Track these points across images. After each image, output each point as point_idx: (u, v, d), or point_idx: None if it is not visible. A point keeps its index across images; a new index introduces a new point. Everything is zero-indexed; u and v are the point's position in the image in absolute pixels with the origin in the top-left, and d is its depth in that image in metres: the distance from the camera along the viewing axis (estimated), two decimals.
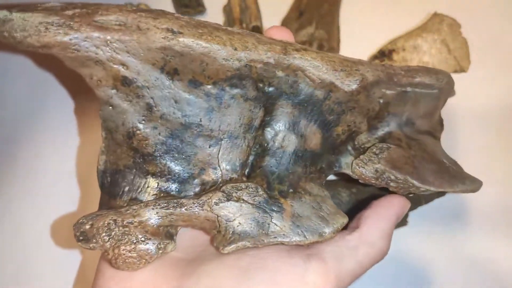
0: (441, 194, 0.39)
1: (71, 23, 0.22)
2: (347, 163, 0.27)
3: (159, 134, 0.25)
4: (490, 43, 0.45)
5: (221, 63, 0.23)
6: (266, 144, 0.26)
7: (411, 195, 0.27)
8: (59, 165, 0.40)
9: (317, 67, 0.25)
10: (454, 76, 0.41)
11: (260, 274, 0.23)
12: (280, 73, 0.25)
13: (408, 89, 0.27)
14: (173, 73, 0.24)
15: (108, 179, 0.25)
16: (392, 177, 0.26)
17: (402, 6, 0.48)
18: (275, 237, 0.24)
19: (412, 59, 0.41)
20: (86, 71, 0.23)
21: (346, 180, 0.39)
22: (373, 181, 0.26)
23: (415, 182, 0.26)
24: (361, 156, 0.27)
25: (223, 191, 0.24)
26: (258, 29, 0.46)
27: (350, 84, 0.25)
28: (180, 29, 0.23)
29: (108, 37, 0.22)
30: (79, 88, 0.42)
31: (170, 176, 0.25)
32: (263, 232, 0.24)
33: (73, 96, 0.42)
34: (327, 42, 0.44)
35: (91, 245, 0.23)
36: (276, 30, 0.27)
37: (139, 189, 0.25)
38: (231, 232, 0.24)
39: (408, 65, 0.30)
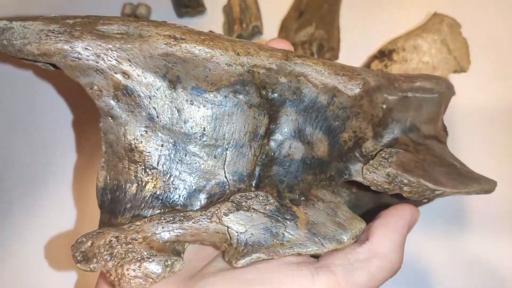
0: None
1: (72, 31, 0.21)
2: (357, 170, 0.26)
3: (162, 145, 0.24)
4: (490, 43, 0.45)
5: (224, 68, 0.23)
6: (272, 153, 0.25)
7: (425, 201, 0.27)
8: (55, 182, 0.39)
9: (319, 72, 0.24)
10: (454, 76, 0.41)
11: (266, 287, 0.22)
12: (282, 79, 0.24)
13: (409, 94, 0.27)
14: (175, 81, 0.23)
15: (109, 197, 0.24)
16: (405, 181, 0.25)
17: (402, 6, 0.48)
18: (291, 247, 0.23)
19: (412, 59, 0.41)
20: (87, 80, 0.23)
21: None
22: (386, 186, 0.25)
23: (429, 185, 0.25)
24: (371, 162, 0.26)
25: (232, 201, 0.23)
26: (258, 29, 0.46)
27: (353, 88, 0.25)
28: (182, 35, 0.22)
29: (110, 46, 0.22)
30: (78, 100, 0.41)
31: (175, 190, 0.24)
32: (277, 242, 0.23)
33: (72, 108, 0.41)
34: (327, 42, 0.44)
35: (91, 266, 0.21)
36: (276, 42, 0.27)
37: (142, 205, 0.23)
38: (243, 244, 0.23)
39: (406, 73, 0.30)
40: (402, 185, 0.25)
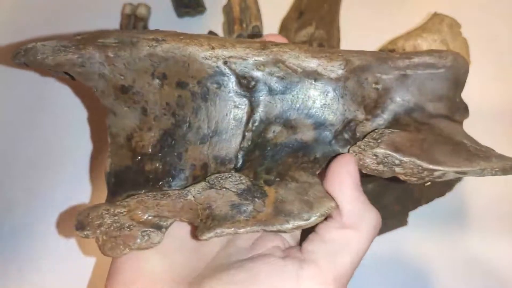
0: (442, 193, 0.39)
1: (79, 44, 0.26)
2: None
3: (153, 135, 0.27)
4: (490, 43, 0.45)
5: (201, 62, 0.25)
6: (256, 139, 0.26)
7: (428, 183, 0.25)
8: (74, 167, 0.42)
9: (297, 57, 0.25)
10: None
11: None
12: (261, 68, 0.25)
13: (409, 72, 0.25)
14: (162, 78, 0.26)
15: (113, 180, 0.27)
16: (396, 161, 0.24)
17: (402, 6, 0.48)
18: (255, 223, 0.23)
19: None
20: (92, 83, 0.27)
21: None
22: (374, 168, 0.24)
23: (424, 163, 0.23)
24: (358, 142, 0.25)
25: (207, 181, 0.25)
26: (258, 29, 0.46)
27: (334, 70, 0.25)
28: (164, 37, 0.26)
29: (108, 53, 0.26)
30: (91, 99, 0.45)
31: (164, 173, 0.26)
32: (243, 218, 0.24)
33: (87, 107, 0.45)
34: (327, 42, 0.44)
35: (85, 233, 0.25)
36: (273, 37, 0.28)
37: (136, 186, 0.27)
38: (211, 219, 0.24)
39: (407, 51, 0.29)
40: (393, 166, 0.24)
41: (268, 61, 0.25)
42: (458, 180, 0.39)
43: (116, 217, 0.25)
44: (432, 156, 0.24)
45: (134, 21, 0.47)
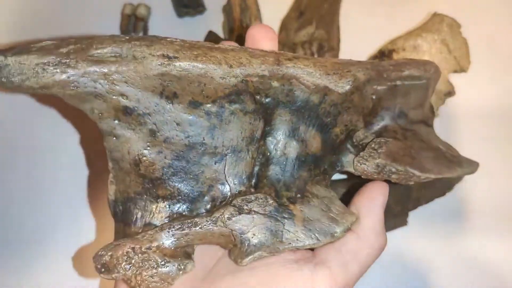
0: (442, 193, 0.39)
1: (67, 60, 0.22)
2: (349, 161, 0.27)
3: (165, 157, 0.25)
4: (490, 43, 0.45)
5: (218, 81, 0.24)
6: (269, 154, 0.26)
7: (411, 183, 0.27)
8: (72, 197, 0.41)
9: (311, 74, 0.25)
10: (454, 76, 0.41)
11: None
12: (275, 84, 0.25)
13: (398, 82, 0.28)
14: (172, 97, 0.24)
15: (120, 208, 0.25)
16: (393, 170, 0.26)
17: (402, 6, 0.48)
18: (290, 243, 0.25)
19: None
20: (87, 105, 0.24)
21: (347, 180, 0.39)
22: (375, 176, 0.27)
23: (416, 172, 0.26)
24: (361, 153, 0.27)
25: (234, 205, 0.25)
26: None
27: (343, 86, 0.26)
28: (175, 53, 0.23)
29: (105, 70, 0.22)
30: (82, 120, 0.42)
31: (180, 197, 0.25)
32: (277, 240, 0.25)
33: (78, 128, 0.43)
34: (327, 42, 0.44)
35: (113, 276, 0.23)
36: (257, 30, 0.27)
37: (152, 214, 0.25)
38: (246, 245, 0.24)
39: (396, 60, 0.30)
40: (390, 174, 0.26)
41: (282, 77, 0.25)
42: (458, 180, 0.39)
43: (145, 255, 0.24)
44: (421, 164, 0.27)
45: (134, 21, 0.47)
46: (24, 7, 0.50)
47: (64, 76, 0.22)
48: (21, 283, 0.39)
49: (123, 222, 0.25)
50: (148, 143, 0.25)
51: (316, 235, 0.25)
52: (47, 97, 0.43)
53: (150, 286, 0.24)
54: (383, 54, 0.42)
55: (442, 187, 0.39)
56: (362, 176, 0.27)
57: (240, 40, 0.46)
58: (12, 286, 0.39)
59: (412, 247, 0.38)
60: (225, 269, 0.25)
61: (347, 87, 0.26)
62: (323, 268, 0.24)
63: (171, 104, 0.24)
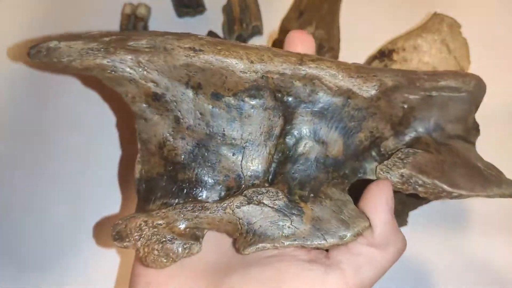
0: None
1: (108, 47, 0.25)
2: (372, 169, 0.27)
3: (187, 144, 0.27)
4: (490, 43, 0.45)
5: (239, 75, 0.25)
6: (287, 152, 0.27)
7: (441, 199, 0.26)
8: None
9: (333, 75, 0.25)
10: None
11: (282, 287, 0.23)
12: (297, 83, 0.26)
13: (434, 93, 0.27)
14: (197, 87, 0.26)
15: (143, 186, 0.27)
16: (420, 182, 0.25)
17: (402, 6, 0.48)
18: (295, 239, 0.25)
19: (412, 59, 0.41)
20: (122, 89, 0.26)
21: None
22: (399, 186, 0.26)
23: (444, 186, 0.25)
24: (386, 162, 0.26)
25: (244, 195, 0.25)
26: (258, 29, 0.46)
27: (368, 90, 0.26)
28: (201, 47, 0.25)
29: (140, 59, 0.25)
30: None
31: (197, 183, 0.26)
32: (282, 234, 0.25)
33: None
34: (327, 42, 0.44)
35: (124, 244, 0.25)
36: (297, 34, 0.28)
37: (170, 195, 0.26)
38: (252, 234, 0.25)
39: (434, 70, 0.29)
40: (416, 186, 0.25)
41: (304, 77, 0.25)
42: None
43: (155, 229, 0.25)
44: (451, 179, 0.25)
45: (134, 21, 0.47)
46: (24, 7, 0.50)
47: (104, 61, 0.25)
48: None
49: (144, 200, 0.27)
50: (172, 129, 0.27)
51: (324, 235, 0.25)
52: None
53: (154, 258, 0.25)
54: (383, 54, 0.42)
55: None
56: None
57: (240, 40, 0.46)
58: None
59: (412, 247, 0.38)
60: (238, 263, 0.25)
61: (373, 92, 0.26)
62: (335, 270, 0.24)
63: (195, 94, 0.26)
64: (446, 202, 0.39)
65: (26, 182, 0.42)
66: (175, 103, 0.26)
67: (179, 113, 0.26)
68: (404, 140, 0.27)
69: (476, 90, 0.28)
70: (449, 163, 0.26)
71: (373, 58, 0.43)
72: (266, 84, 0.26)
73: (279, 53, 0.26)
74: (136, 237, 0.25)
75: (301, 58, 0.25)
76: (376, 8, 0.48)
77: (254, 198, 0.25)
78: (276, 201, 0.25)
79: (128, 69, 0.25)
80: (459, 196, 0.26)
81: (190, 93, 0.26)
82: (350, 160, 0.27)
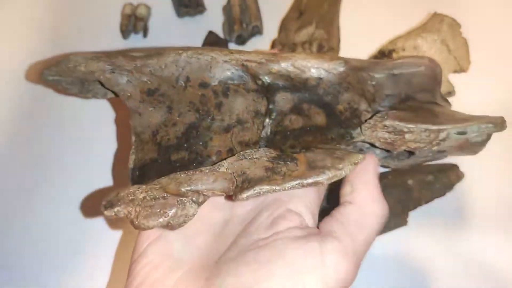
0: (442, 193, 0.39)
1: (110, 54, 0.29)
2: (358, 133, 0.28)
3: (178, 129, 0.29)
4: (490, 43, 0.45)
5: (222, 64, 0.29)
6: (275, 127, 0.29)
7: (432, 147, 0.27)
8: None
9: (304, 59, 0.29)
10: (454, 76, 0.41)
11: (280, 267, 0.23)
12: (273, 69, 0.29)
13: (395, 71, 0.29)
14: (186, 80, 0.30)
15: (137, 173, 0.29)
16: (405, 129, 0.26)
17: (402, 6, 0.48)
18: (292, 179, 0.24)
19: None
20: (120, 88, 0.30)
21: None
22: (387, 136, 0.26)
23: (430, 126, 0.26)
24: (368, 120, 0.27)
25: (238, 155, 0.26)
26: (258, 29, 0.46)
27: (336, 67, 0.28)
28: (187, 48, 0.29)
29: (136, 61, 0.29)
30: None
31: (190, 160, 0.28)
32: (279, 176, 0.25)
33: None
34: (327, 42, 0.44)
35: (115, 210, 0.24)
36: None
37: (164, 174, 0.26)
38: (248, 182, 0.25)
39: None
40: (403, 133, 0.26)
41: (279, 63, 0.28)
42: (458, 180, 0.39)
43: (149, 192, 0.24)
44: (433, 121, 0.26)
45: (134, 21, 0.47)
46: (24, 7, 0.50)
47: (106, 64, 0.29)
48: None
49: (139, 183, 0.27)
50: (165, 118, 0.29)
51: (321, 170, 0.25)
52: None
53: (147, 213, 0.24)
54: (383, 54, 0.42)
55: (442, 187, 0.39)
56: (376, 144, 0.27)
57: (240, 40, 0.46)
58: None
59: (412, 247, 0.38)
60: (235, 251, 0.25)
61: (341, 69, 0.28)
62: (330, 240, 0.24)
63: (185, 87, 0.30)
64: (446, 202, 0.39)
65: (21, 176, 0.42)
66: (167, 96, 0.30)
67: (171, 103, 0.30)
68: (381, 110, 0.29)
69: (431, 64, 0.30)
70: (427, 114, 0.27)
71: (373, 58, 0.43)
72: (246, 70, 0.29)
73: (258, 52, 0.29)
74: (128, 200, 0.24)
75: (276, 53, 0.29)
76: (376, 8, 0.48)
77: (247, 155, 0.26)
78: (269, 154, 0.26)
79: (125, 71, 0.29)
80: (447, 139, 0.26)
81: (180, 85, 0.29)
82: (335, 128, 0.28)
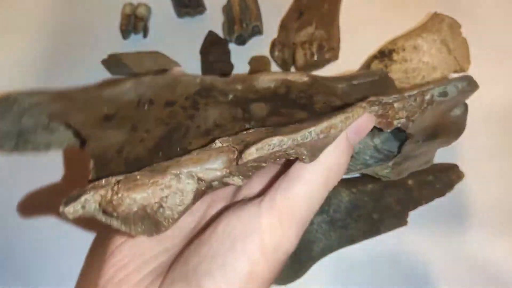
0: (442, 193, 0.39)
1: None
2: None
3: (148, 143, 0.26)
4: (490, 43, 0.45)
5: (186, 84, 0.29)
6: (258, 126, 0.27)
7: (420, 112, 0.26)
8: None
9: (269, 74, 0.30)
10: (454, 76, 0.41)
11: (221, 240, 0.22)
12: (239, 86, 0.29)
13: (354, 82, 0.31)
14: (149, 103, 0.28)
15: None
16: (390, 100, 0.25)
17: (402, 6, 0.48)
18: (298, 128, 0.22)
19: (412, 59, 0.41)
20: (70, 118, 0.27)
21: (346, 180, 0.39)
22: (376, 108, 0.25)
23: (411, 92, 0.25)
24: (356, 103, 0.25)
25: (229, 135, 0.24)
26: (258, 29, 0.46)
27: (301, 78, 0.30)
28: (145, 74, 0.29)
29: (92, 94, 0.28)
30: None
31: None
32: (277, 133, 0.23)
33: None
34: (327, 42, 0.44)
35: (82, 199, 0.20)
36: None
37: None
38: (251, 144, 0.22)
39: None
40: (392, 104, 0.25)
41: (244, 81, 0.29)
42: (458, 180, 0.39)
43: (127, 176, 0.21)
44: (409, 90, 0.26)
45: (134, 21, 0.47)
46: (24, 7, 0.50)
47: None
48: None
49: None
50: (130, 136, 0.27)
51: (326, 118, 0.23)
52: None
53: (132, 186, 0.20)
54: (383, 54, 0.42)
55: (442, 187, 0.39)
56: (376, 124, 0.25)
57: (240, 40, 0.46)
58: None
59: (412, 247, 0.38)
60: (194, 249, 0.23)
61: (305, 78, 0.30)
62: (267, 200, 0.23)
63: (148, 108, 0.28)
64: (446, 202, 0.39)
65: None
66: (128, 118, 0.27)
67: (135, 123, 0.27)
68: None
69: (382, 73, 0.33)
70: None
71: (373, 58, 0.43)
72: (212, 87, 0.29)
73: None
74: (100, 185, 0.20)
75: (239, 77, 0.30)
76: (376, 8, 0.48)
77: (239, 134, 0.24)
78: (263, 129, 0.24)
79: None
80: (432, 101, 0.26)
81: (142, 108, 0.28)
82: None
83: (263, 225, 0.22)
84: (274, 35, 0.47)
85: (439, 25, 0.42)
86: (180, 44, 0.47)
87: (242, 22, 0.46)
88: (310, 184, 0.23)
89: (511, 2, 0.48)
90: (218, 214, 0.26)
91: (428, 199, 0.38)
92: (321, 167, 0.23)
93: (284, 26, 0.47)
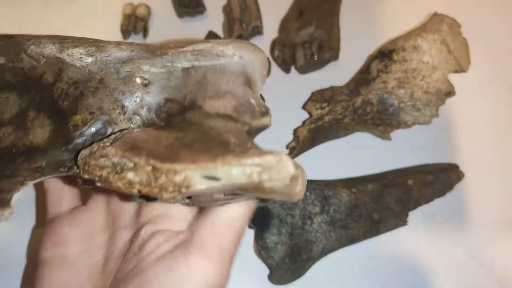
0: (442, 193, 0.39)
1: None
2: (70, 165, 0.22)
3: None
4: (490, 43, 0.45)
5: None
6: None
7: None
8: None
9: (39, 42, 0.21)
10: (454, 76, 0.41)
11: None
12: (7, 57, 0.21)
13: (185, 64, 0.21)
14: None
15: None
16: (131, 164, 0.19)
17: (402, 6, 0.48)
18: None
19: (412, 59, 0.41)
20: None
21: (346, 180, 0.39)
22: (96, 173, 0.20)
23: (157, 162, 0.18)
24: (93, 144, 0.20)
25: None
26: (258, 29, 0.46)
27: (82, 58, 0.20)
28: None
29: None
30: None
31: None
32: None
33: None
34: (327, 42, 0.44)
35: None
36: None
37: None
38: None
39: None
40: (125, 171, 0.19)
41: (8, 51, 0.22)
42: (458, 180, 0.39)
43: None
44: (175, 155, 0.18)
45: (134, 21, 0.47)
46: (23, 6, 0.50)
47: None
48: None
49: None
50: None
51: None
52: None
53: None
54: (383, 54, 0.42)
55: (442, 187, 0.39)
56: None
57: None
58: None
59: (412, 247, 0.38)
60: (119, 277, 0.24)
61: (89, 59, 0.20)
62: (194, 242, 0.23)
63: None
64: (446, 202, 0.39)
65: None
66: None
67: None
68: (138, 124, 0.21)
69: (246, 55, 0.21)
70: (185, 141, 0.20)
71: (373, 58, 0.43)
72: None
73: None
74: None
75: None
76: (376, 8, 0.48)
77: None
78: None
79: None
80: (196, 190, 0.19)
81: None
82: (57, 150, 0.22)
83: (194, 269, 0.22)
84: (274, 35, 0.47)
85: (439, 25, 0.41)
86: None
87: (242, 22, 0.46)
88: (240, 228, 0.24)
89: (511, 2, 0.48)
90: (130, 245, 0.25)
91: (428, 199, 0.38)
92: (243, 218, 0.24)
93: (284, 26, 0.47)
